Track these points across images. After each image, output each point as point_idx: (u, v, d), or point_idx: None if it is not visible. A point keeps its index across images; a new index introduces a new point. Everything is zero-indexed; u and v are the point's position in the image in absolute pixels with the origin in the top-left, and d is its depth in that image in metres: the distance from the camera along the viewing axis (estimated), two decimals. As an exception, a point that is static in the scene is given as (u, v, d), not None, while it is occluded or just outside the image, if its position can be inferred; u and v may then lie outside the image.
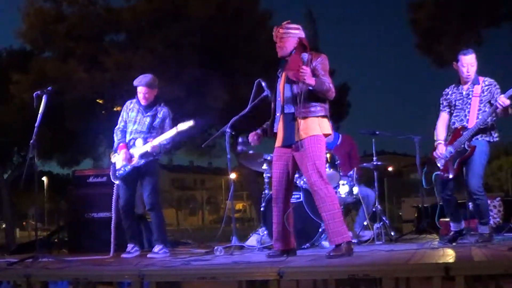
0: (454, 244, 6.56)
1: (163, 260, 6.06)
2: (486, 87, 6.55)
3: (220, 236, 7.13)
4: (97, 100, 19.23)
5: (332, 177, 7.11)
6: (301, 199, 7.20)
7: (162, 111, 7.29)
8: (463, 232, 6.82)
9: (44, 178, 43.59)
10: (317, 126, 5.71)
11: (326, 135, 5.81)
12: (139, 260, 6.22)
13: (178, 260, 5.86)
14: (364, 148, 19.02)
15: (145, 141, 7.10)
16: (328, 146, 8.08)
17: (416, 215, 12.21)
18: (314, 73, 5.63)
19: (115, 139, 7.34)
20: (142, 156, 7.10)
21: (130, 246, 7.24)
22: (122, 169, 7.18)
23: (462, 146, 6.47)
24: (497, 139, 6.61)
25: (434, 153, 6.76)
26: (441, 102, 6.88)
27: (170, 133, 7.00)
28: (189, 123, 6.89)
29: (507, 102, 6.22)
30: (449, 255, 5.26)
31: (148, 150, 7.06)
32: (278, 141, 5.92)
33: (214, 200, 47.61)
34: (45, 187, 44.19)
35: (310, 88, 5.58)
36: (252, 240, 7.76)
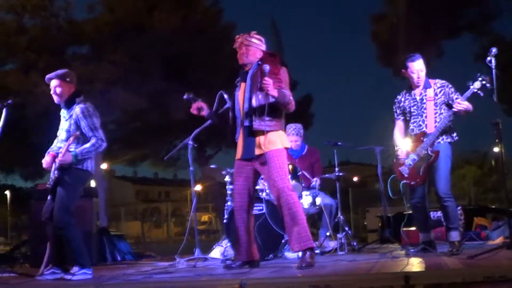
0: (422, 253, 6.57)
1: (125, 274, 6.01)
2: (439, 89, 6.50)
3: (184, 249, 7.09)
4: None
5: (295, 188, 7.12)
6: (263, 211, 7.19)
7: (74, 110, 6.13)
8: (433, 243, 6.76)
9: (7, 192, 42.96)
10: (277, 140, 5.76)
11: (286, 149, 5.87)
12: (100, 275, 6.18)
13: (140, 274, 5.84)
14: (329, 158, 19.10)
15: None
16: (293, 155, 8.15)
17: (380, 224, 12.26)
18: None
19: None
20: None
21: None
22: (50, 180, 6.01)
23: (425, 152, 6.37)
24: (457, 138, 6.54)
25: (399, 156, 6.60)
26: (394, 110, 6.78)
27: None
28: None
29: (465, 105, 6.24)
30: (409, 264, 5.32)
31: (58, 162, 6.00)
32: (238, 154, 5.96)
33: (179, 212, 47.24)
34: (8, 201, 43.54)
35: (273, 99, 5.62)
36: (216, 252, 7.76)
